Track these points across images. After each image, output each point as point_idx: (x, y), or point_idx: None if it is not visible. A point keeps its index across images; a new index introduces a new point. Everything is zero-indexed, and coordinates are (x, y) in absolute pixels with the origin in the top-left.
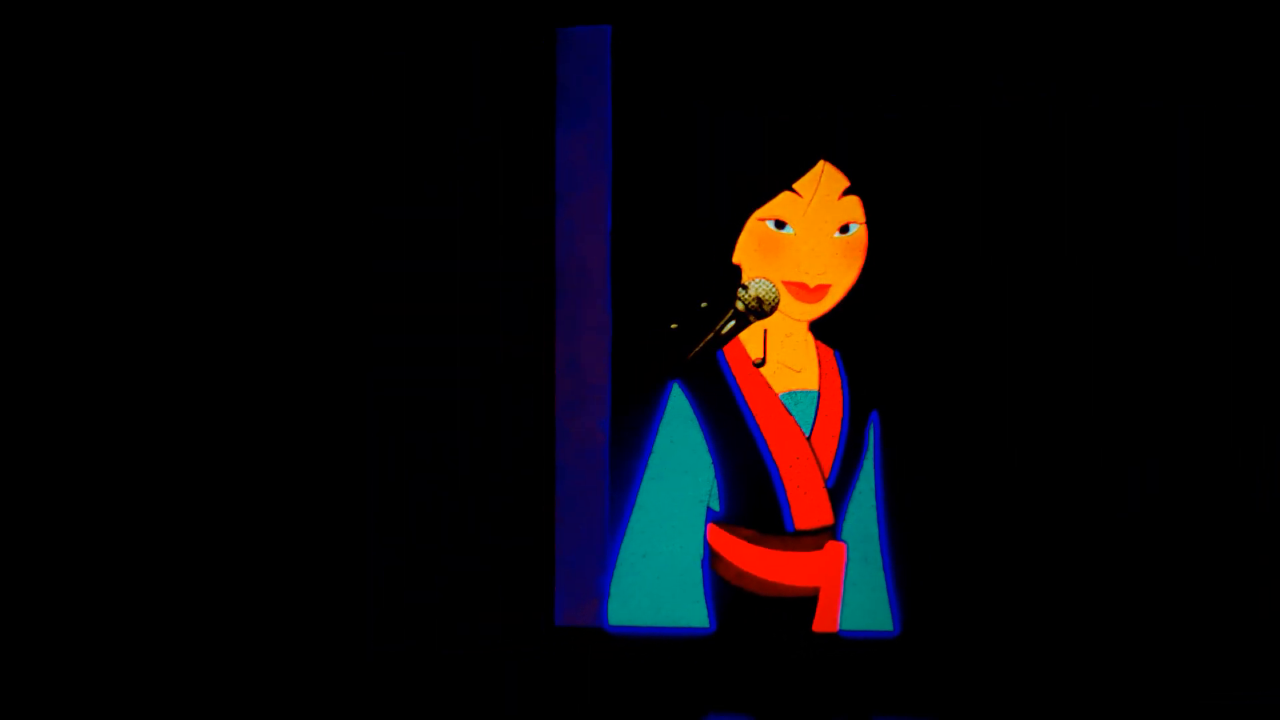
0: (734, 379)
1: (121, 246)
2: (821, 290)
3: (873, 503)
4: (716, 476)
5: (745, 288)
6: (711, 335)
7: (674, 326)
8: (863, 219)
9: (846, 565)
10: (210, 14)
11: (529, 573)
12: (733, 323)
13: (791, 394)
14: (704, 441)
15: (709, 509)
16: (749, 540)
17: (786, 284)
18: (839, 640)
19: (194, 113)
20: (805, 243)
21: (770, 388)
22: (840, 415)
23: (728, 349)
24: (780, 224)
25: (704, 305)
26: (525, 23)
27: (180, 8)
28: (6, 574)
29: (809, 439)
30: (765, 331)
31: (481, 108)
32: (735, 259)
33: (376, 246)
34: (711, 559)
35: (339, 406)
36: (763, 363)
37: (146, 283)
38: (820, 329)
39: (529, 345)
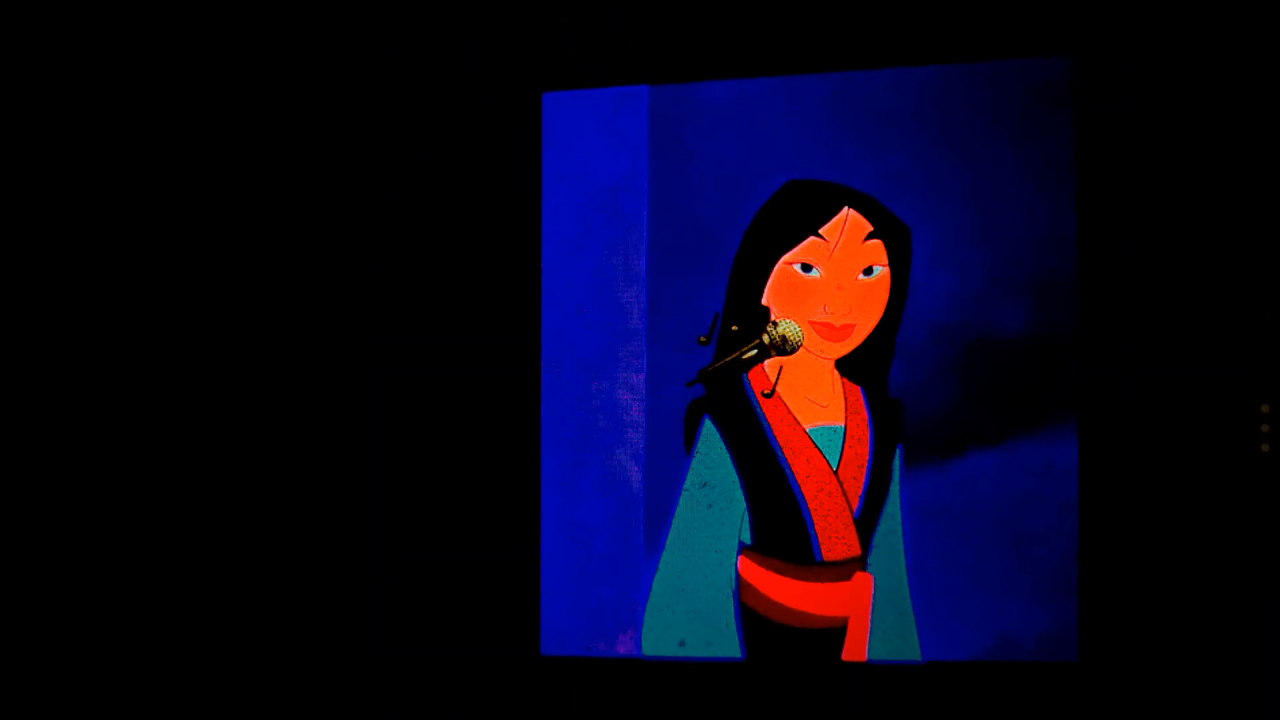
0: (763, 415)
1: (121, 246)
2: (847, 330)
3: (899, 533)
4: (747, 509)
5: (775, 324)
6: (733, 357)
7: (701, 340)
8: (885, 262)
9: (874, 595)
10: (211, 14)
11: (524, 580)
12: (754, 352)
13: (819, 429)
14: (735, 475)
15: (739, 540)
16: (778, 571)
17: (813, 324)
18: (867, 669)
19: (195, 113)
20: (830, 285)
21: (798, 423)
22: (866, 449)
23: (756, 389)
24: (807, 267)
25: (734, 329)
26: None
27: (181, 8)
28: (7, 574)
29: (836, 472)
30: (781, 368)
31: (482, 107)
32: (765, 301)
33: (377, 246)
34: (742, 589)
35: (339, 407)
36: (771, 394)
37: (146, 282)
38: (846, 367)
39: (524, 339)
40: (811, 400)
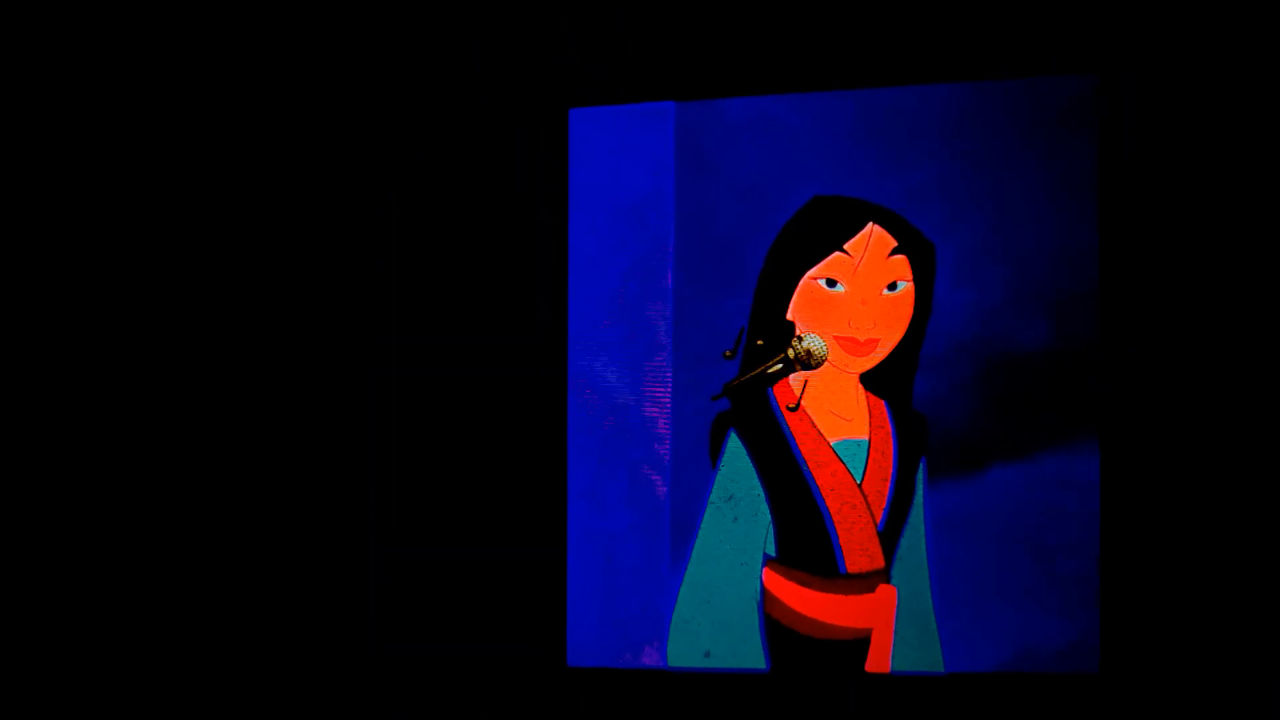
0: (788, 429)
1: (119, 245)
2: (871, 344)
3: (922, 546)
4: (771, 522)
5: (800, 339)
6: (758, 371)
7: (727, 354)
8: (910, 277)
9: (897, 607)
10: (210, 14)
11: (549, 591)
12: (779, 366)
13: (843, 442)
14: (760, 488)
15: (764, 553)
16: (803, 583)
17: (837, 338)
18: (890, 680)
19: (195, 113)
20: (855, 300)
21: (823, 436)
22: (890, 463)
23: (781, 403)
24: (832, 282)
25: (760, 343)
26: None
27: (181, 8)
28: (7, 574)
29: (860, 486)
30: (805, 381)
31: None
32: (790, 316)
33: (376, 246)
34: (766, 601)
35: (341, 408)
36: (796, 408)
37: (144, 282)
38: (870, 381)
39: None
40: (836, 414)
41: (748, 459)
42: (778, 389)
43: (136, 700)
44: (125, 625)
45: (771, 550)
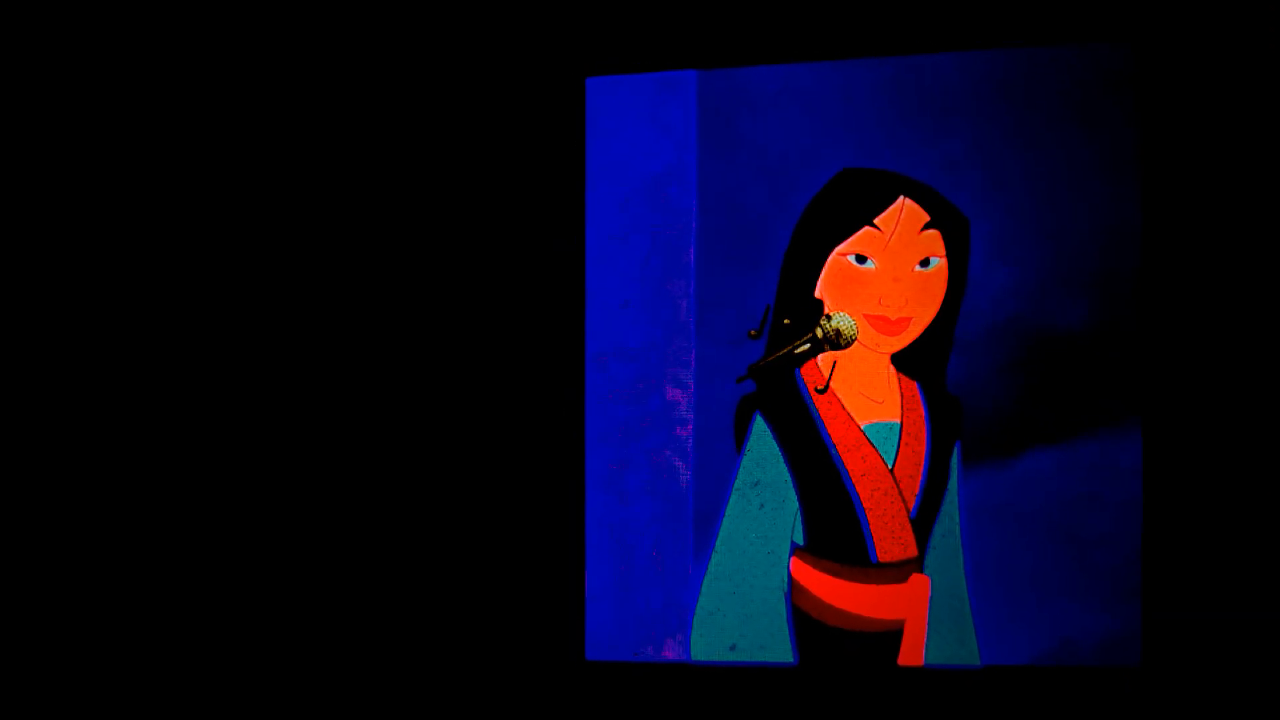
0: (816, 411)
1: (128, 248)
2: (903, 323)
3: (957, 534)
4: (799, 509)
5: (829, 318)
6: (785, 351)
7: (752, 334)
8: (943, 253)
9: (931, 598)
10: (218, 15)
11: (568, 583)
12: (807, 346)
13: (874, 426)
14: (787, 474)
15: (792, 541)
16: (832, 573)
17: (868, 317)
18: (924, 674)
19: (200, 114)
20: (886, 277)
21: (852, 419)
22: (923, 447)
23: (809, 385)
24: (861, 258)
25: (786, 322)
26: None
27: (186, 9)
28: (10, 575)
29: (891, 471)
30: (835, 362)
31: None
32: (818, 294)
33: (406, 233)
34: (794, 591)
35: (370, 395)
36: (824, 390)
37: (149, 284)
38: (902, 361)
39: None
40: (866, 396)
41: (774, 443)
42: (805, 370)
43: (139, 700)
44: (127, 627)
45: (799, 538)
